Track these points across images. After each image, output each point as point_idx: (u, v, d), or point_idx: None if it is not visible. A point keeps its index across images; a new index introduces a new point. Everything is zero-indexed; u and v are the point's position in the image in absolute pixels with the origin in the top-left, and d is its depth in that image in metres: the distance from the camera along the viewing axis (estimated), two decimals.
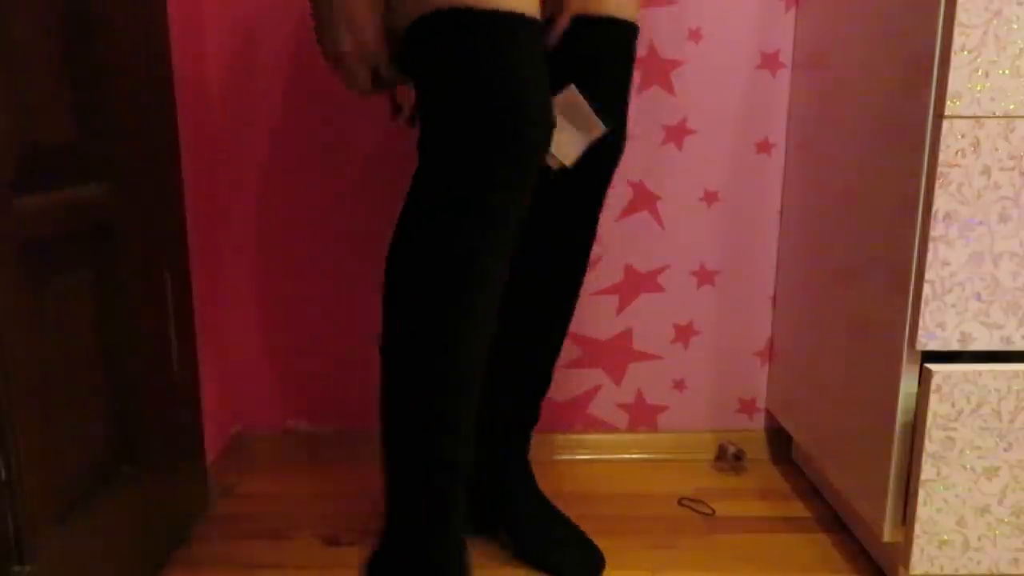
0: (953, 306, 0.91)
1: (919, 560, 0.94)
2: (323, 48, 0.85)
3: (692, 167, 1.35)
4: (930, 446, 0.92)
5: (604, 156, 1.01)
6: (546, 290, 1.06)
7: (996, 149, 0.88)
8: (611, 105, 0.98)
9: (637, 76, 1.31)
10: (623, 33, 0.98)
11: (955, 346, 0.93)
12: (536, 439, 1.41)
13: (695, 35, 1.30)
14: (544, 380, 1.11)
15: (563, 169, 0.93)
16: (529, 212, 1.05)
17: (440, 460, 0.86)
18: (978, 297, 0.91)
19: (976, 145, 0.88)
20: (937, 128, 0.88)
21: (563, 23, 0.93)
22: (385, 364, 0.87)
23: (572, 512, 1.16)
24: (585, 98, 0.92)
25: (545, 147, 0.81)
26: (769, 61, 1.32)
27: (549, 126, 0.81)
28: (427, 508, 0.87)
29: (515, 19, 0.77)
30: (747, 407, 1.44)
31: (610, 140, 0.99)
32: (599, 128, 0.92)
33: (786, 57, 1.32)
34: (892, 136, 0.97)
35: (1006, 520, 0.94)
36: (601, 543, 1.11)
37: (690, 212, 1.36)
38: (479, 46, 0.77)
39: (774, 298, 1.40)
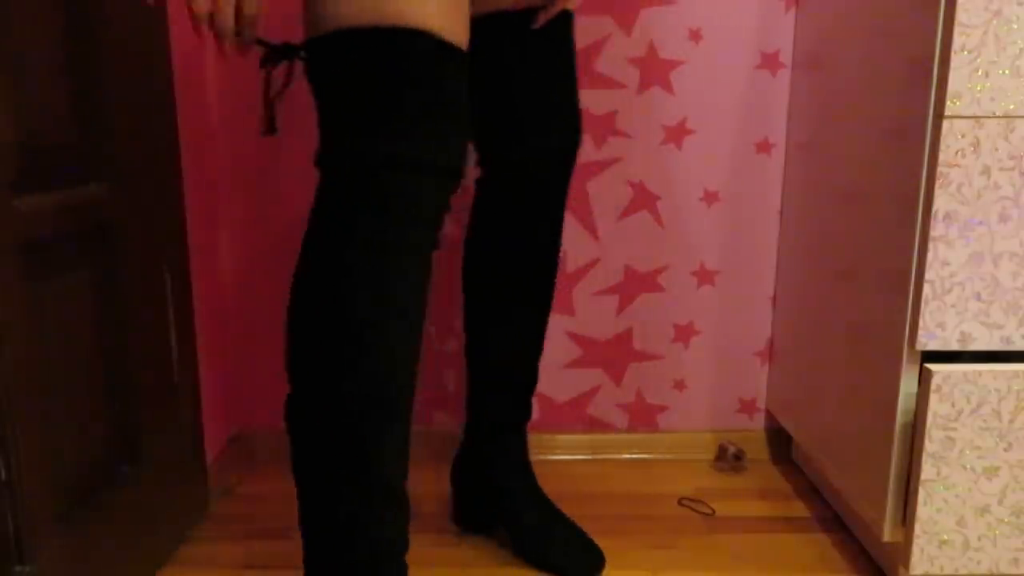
0: (953, 306, 0.91)
1: (919, 560, 0.94)
2: None
3: (692, 167, 1.35)
4: (930, 446, 0.92)
5: (560, 145, 1.02)
6: (521, 285, 1.06)
7: (996, 149, 0.88)
8: (556, 96, 0.99)
9: (637, 76, 1.31)
10: (552, 23, 0.98)
11: (955, 346, 0.93)
12: (536, 439, 1.42)
13: (695, 35, 1.30)
14: (531, 375, 1.11)
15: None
16: (494, 207, 1.05)
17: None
18: (978, 297, 0.91)
19: (976, 145, 0.88)
20: (937, 128, 0.88)
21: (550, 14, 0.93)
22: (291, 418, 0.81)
23: (572, 512, 1.16)
24: None
25: (457, 183, 0.77)
26: (769, 61, 1.32)
27: (461, 167, 0.76)
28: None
29: (439, 44, 0.73)
30: (747, 407, 1.44)
31: (560, 127, 1.00)
32: None
33: (786, 57, 1.32)
34: (892, 136, 0.97)
35: (1006, 520, 0.93)
36: (601, 543, 1.11)
37: (690, 212, 1.36)
38: (399, 68, 0.72)
39: (774, 298, 1.40)
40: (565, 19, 1.00)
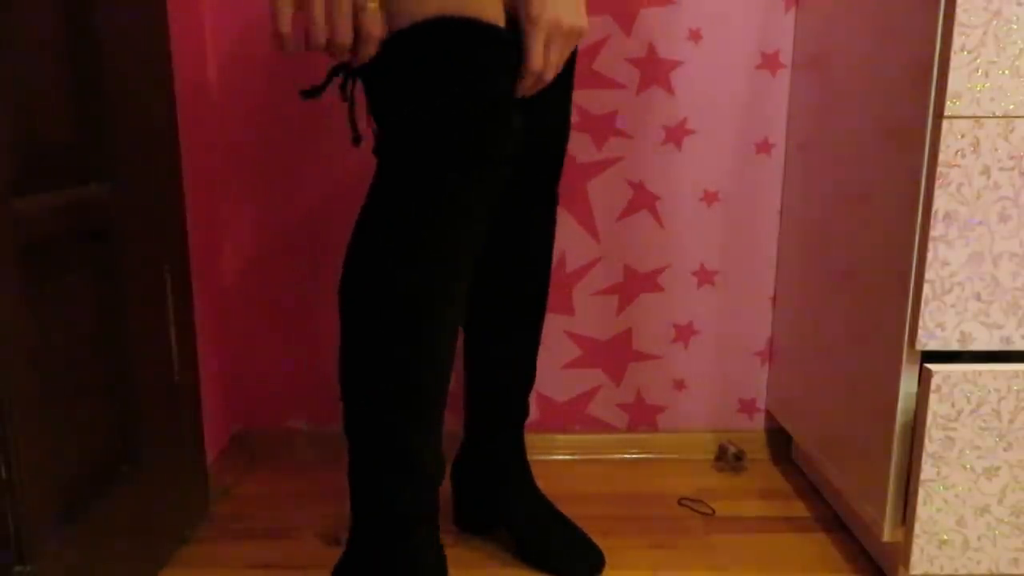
0: (953, 306, 0.91)
1: (919, 560, 0.94)
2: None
3: (692, 167, 1.35)
4: (930, 446, 0.92)
5: (549, 142, 1.02)
6: (514, 286, 1.06)
7: (996, 149, 0.88)
8: (551, 98, 0.99)
9: (637, 76, 1.31)
10: None
11: (955, 346, 0.93)
12: (536, 439, 1.42)
13: (695, 35, 1.30)
14: (528, 373, 1.11)
15: None
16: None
17: (405, 474, 0.84)
18: (978, 297, 0.91)
19: (976, 145, 0.88)
20: (937, 128, 0.88)
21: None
22: (344, 375, 0.85)
23: (572, 512, 1.16)
24: None
25: (509, 152, 0.81)
26: (769, 61, 1.32)
27: (515, 135, 0.81)
28: (390, 526, 0.86)
29: (496, 31, 0.77)
30: (747, 407, 1.44)
31: (552, 126, 1.01)
32: None
33: (786, 57, 1.32)
34: (892, 136, 0.97)
35: (1006, 520, 0.94)
36: (601, 543, 1.11)
37: (690, 212, 1.36)
38: (477, 54, 0.76)
39: (774, 298, 1.40)
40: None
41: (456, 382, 1.40)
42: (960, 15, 0.85)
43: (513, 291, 1.07)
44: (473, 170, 0.78)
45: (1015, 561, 0.94)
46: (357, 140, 0.85)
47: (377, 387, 0.82)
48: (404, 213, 0.79)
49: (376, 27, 0.74)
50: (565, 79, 1.01)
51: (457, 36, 0.76)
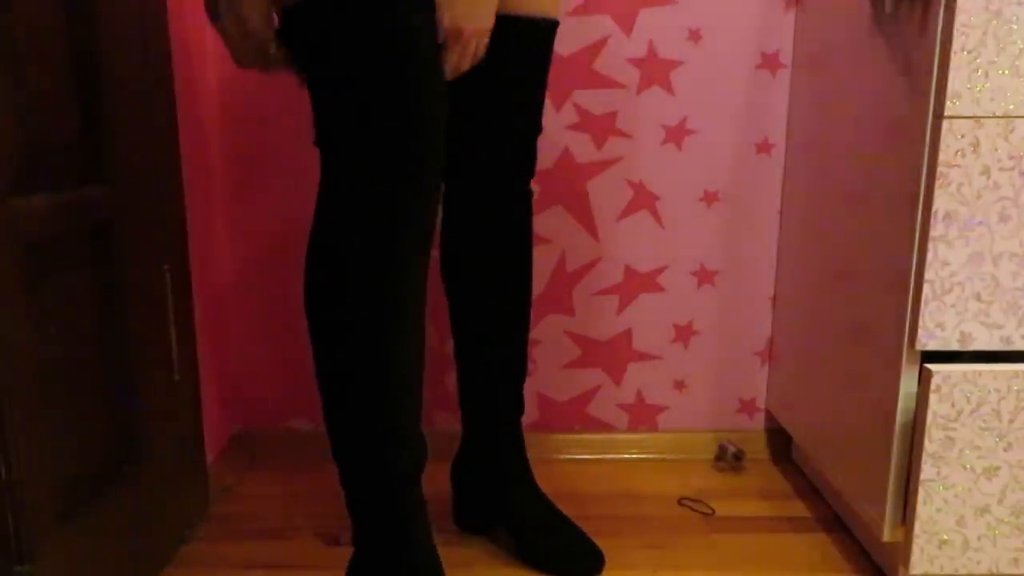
0: (953, 306, 0.91)
1: (919, 560, 0.94)
2: (209, 18, 0.82)
3: (692, 167, 1.35)
4: (930, 446, 0.92)
5: (515, 140, 1.03)
6: (497, 279, 1.07)
7: (996, 149, 0.88)
8: (517, 97, 1.00)
9: (637, 76, 1.31)
10: (529, 28, 0.99)
11: (955, 346, 0.93)
12: (536, 439, 1.42)
13: (695, 35, 1.30)
14: (518, 369, 1.11)
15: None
16: (459, 200, 1.06)
17: (385, 469, 0.87)
18: (978, 297, 0.91)
19: (976, 145, 0.88)
20: (937, 128, 0.88)
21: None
22: (320, 373, 0.87)
23: (572, 512, 1.16)
24: None
25: (440, 125, 0.82)
26: (769, 61, 1.32)
27: (440, 109, 0.81)
28: (383, 520, 0.89)
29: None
30: (747, 407, 1.44)
31: (518, 127, 1.02)
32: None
33: (786, 57, 1.32)
34: (892, 136, 0.97)
35: (1006, 520, 0.94)
36: (601, 543, 1.11)
37: (690, 212, 1.36)
38: (371, 28, 0.76)
39: (774, 298, 1.40)
40: (542, 26, 1.00)
41: (454, 382, 1.40)
42: (960, 15, 0.85)
43: (494, 292, 1.08)
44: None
45: (1015, 561, 0.94)
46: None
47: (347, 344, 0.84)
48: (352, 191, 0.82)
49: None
50: (528, 75, 1.01)
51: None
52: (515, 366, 1.11)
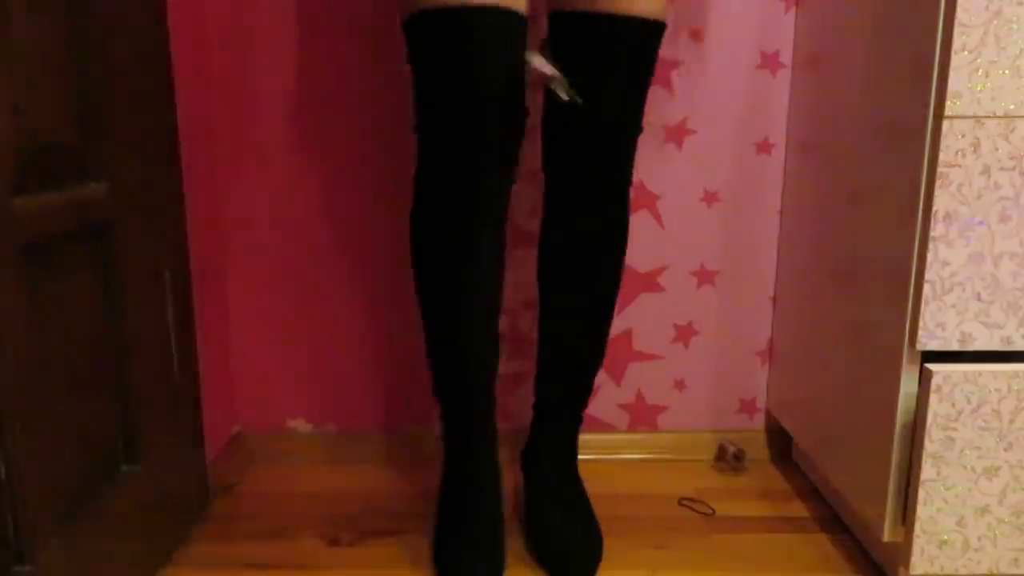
0: (953, 306, 0.91)
1: (919, 560, 0.94)
2: None
3: (692, 167, 1.35)
4: (930, 446, 0.92)
5: (596, 138, 1.02)
6: (574, 278, 1.10)
7: (996, 149, 0.88)
8: (607, 94, 1.00)
9: None
10: (622, 27, 0.98)
11: (955, 346, 0.93)
12: None
13: (695, 35, 1.30)
14: (582, 377, 1.16)
15: (573, 102, 1.00)
16: (551, 199, 1.10)
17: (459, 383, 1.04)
18: (978, 297, 0.91)
19: (976, 145, 0.88)
20: (937, 128, 0.88)
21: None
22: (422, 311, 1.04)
23: None
24: (547, 59, 1.01)
25: (494, 113, 0.92)
26: (769, 61, 1.32)
27: (498, 99, 0.91)
28: (458, 432, 1.07)
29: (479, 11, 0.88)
30: (747, 407, 1.44)
31: (596, 121, 1.01)
32: (560, 83, 1.01)
33: (786, 57, 1.32)
34: (892, 136, 0.97)
35: (1006, 520, 0.94)
36: None
37: (690, 212, 1.36)
38: (446, 38, 0.89)
39: (774, 298, 1.40)
40: (639, 25, 0.99)
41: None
42: (960, 15, 0.85)
43: (588, 290, 1.10)
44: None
45: (1015, 561, 0.94)
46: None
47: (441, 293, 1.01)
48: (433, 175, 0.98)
49: None
50: (605, 70, 1.00)
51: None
52: (579, 372, 1.16)
